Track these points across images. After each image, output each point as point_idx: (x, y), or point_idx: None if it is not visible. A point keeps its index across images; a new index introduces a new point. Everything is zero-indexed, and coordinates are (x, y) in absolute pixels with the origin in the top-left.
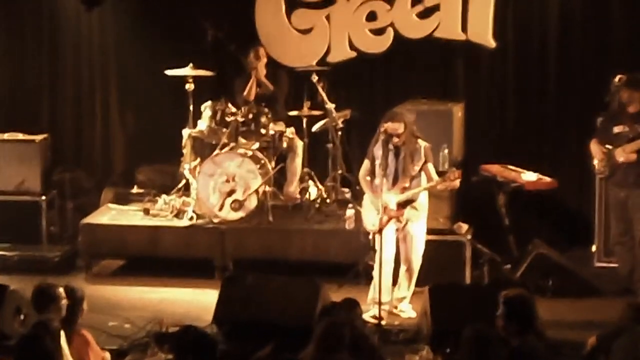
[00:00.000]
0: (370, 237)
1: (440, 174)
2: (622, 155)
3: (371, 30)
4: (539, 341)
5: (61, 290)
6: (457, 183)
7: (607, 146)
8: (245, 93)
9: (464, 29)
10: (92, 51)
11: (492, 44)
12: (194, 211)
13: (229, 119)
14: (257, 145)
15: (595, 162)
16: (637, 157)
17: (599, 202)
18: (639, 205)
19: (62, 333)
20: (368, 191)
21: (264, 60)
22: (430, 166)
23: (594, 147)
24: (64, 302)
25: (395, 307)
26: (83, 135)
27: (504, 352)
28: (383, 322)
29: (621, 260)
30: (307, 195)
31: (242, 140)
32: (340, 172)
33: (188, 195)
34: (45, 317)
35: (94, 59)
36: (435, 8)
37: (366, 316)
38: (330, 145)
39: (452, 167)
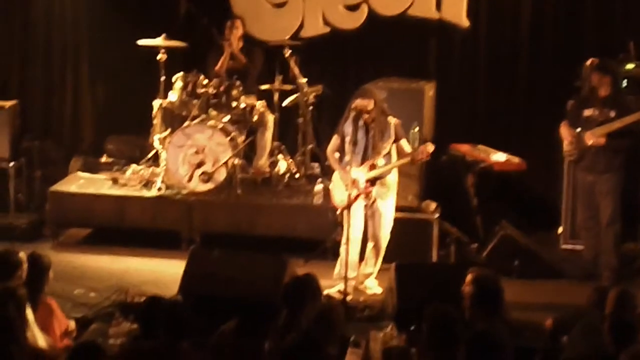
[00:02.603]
0: (339, 213)
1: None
2: (592, 138)
3: (345, 6)
4: (503, 323)
5: (22, 255)
6: (430, 149)
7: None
8: (217, 67)
9: (438, 7)
10: (64, 20)
11: (465, 23)
12: (162, 182)
13: (200, 90)
14: (227, 117)
15: (565, 144)
16: (606, 141)
17: (567, 185)
18: (606, 191)
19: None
20: (336, 167)
21: (239, 32)
22: (403, 142)
23: (564, 130)
24: (25, 266)
25: (361, 283)
26: (53, 103)
27: (466, 332)
28: (349, 298)
29: (586, 244)
30: (276, 169)
31: (212, 112)
32: (310, 147)
33: (157, 166)
34: (8, 283)
35: (65, 28)
36: None
37: (332, 291)
38: (300, 120)
39: (426, 142)
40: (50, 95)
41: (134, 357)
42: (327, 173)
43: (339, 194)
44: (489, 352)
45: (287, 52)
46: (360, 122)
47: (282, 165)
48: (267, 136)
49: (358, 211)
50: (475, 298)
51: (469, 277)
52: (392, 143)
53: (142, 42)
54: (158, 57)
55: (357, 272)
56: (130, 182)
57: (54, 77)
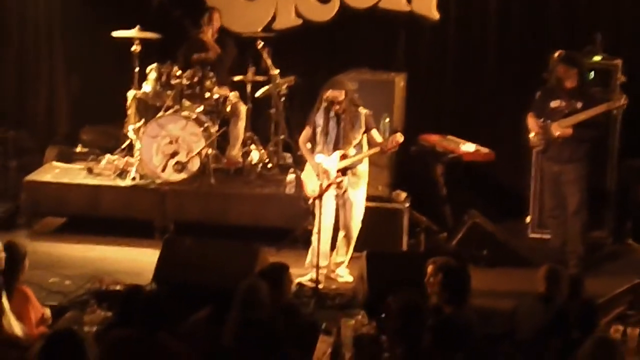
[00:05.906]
0: (310, 202)
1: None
2: (559, 129)
3: None
4: (470, 310)
5: None
6: (399, 139)
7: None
8: (195, 57)
9: (408, 0)
10: (38, 11)
11: (435, 15)
12: (136, 171)
13: (174, 81)
14: (201, 108)
15: (531, 135)
16: (573, 132)
17: (534, 174)
18: (572, 180)
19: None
20: (308, 157)
21: (217, 24)
22: (374, 132)
23: (531, 121)
24: (2, 255)
25: (333, 272)
26: (28, 94)
27: (433, 319)
28: (320, 286)
29: (554, 233)
30: (249, 159)
31: (186, 103)
32: (282, 137)
33: (131, 156)
34: None
35: (39, 18)
36: None
37: (304, 280)
38: (273, 111)
39: (396, 132)
40: (25, 86)
41: (113, 345)
42: (299, 163)
43: (311, 184)
44: (455, 337)
45: (260, 44)
46: (332, 113)
47: (255, 155)
48: (240, 126)
49: (329, 201)
50: (442, 286)
51: (431, 267)
52: (363, 133)
53: (116, 33)
54: (132, 48)
55: (329, 260)
56: (104, 172)
57: (28, 67)
